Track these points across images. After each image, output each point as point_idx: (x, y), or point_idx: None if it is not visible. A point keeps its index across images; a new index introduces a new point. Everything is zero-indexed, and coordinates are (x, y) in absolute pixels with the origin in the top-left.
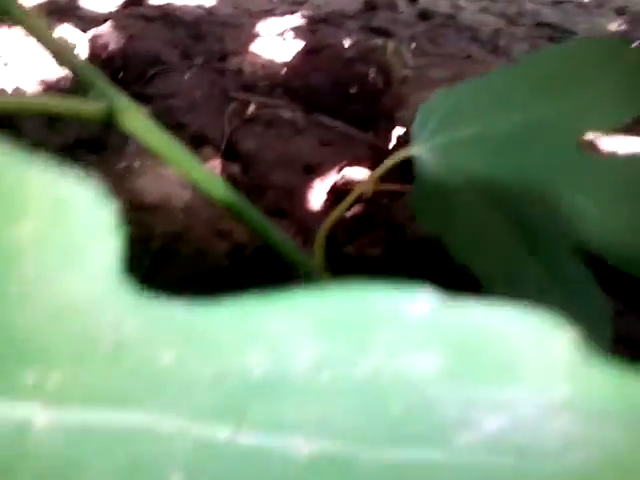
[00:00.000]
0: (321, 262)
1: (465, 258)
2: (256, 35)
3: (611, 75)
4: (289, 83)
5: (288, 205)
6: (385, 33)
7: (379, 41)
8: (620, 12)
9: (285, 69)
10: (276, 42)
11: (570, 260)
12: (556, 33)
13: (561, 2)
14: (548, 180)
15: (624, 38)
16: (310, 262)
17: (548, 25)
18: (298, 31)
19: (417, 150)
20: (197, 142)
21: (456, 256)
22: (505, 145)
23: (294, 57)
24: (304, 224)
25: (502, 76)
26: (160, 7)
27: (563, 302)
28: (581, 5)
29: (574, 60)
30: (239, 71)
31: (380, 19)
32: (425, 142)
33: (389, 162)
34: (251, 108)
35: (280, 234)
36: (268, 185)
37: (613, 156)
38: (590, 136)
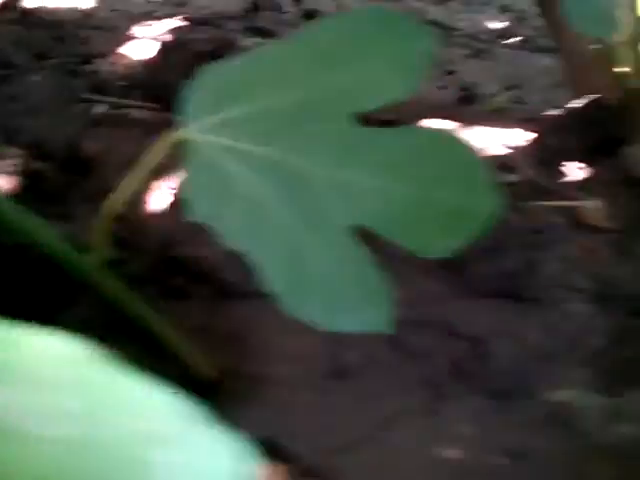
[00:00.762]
0: (100, 261)
1: (242, 244)
2: (130, 38)
3: (388, 49)
4: (145, 82)
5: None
6: (268, 33)
7: (239, 36)
8: (504, 10)
9: (142, 69)
10: (151, 45)
11: (349, 239)
12: (441, 30)
13: (446, 0)
14: (325, 157)
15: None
16: (85, 262)
17: (433, 23)
18: (175, 33)
19: (186, 132)
20: (34, 146)
21: (232, 243)
22: (280, 123)
23: (151, 56)
24: (141, 227)
25: (277, 51)
26: (28, 10)
27: (352, 290)
28: (467, 3)
29: (351, 33)
30: (94, 73)
31: (264, 19)
32: (195, 123)
33: (159, 147)
34: (100, 109)
35: (51, 234)
36: (109, 189)
37: (393, 130)
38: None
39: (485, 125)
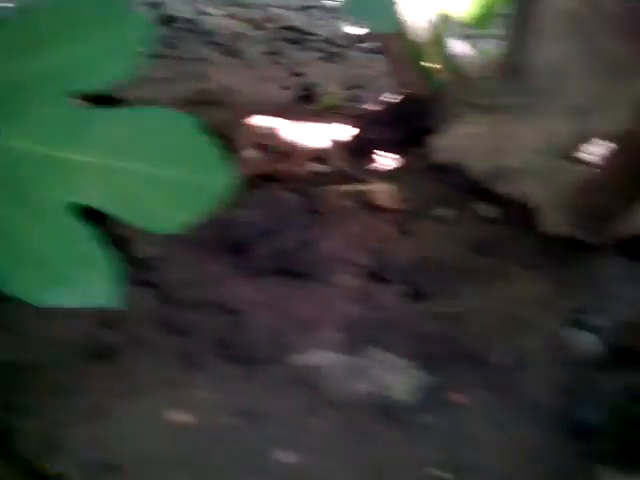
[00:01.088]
0: None
1: None
2: None
3: (102, 33)
4: None
5: None
6: None
7: None
8: None
9: None
10: None
11: (67, 217)
12: (299, 35)
13: (308, 7)
14: (38, 136)
15: None
16: None
17: (292, 28)
18: None
19: None
20: None
21: None
22: None
23: None
24: None
25: None
26: None
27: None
28: (328, 10)
29: (65, 17)
30: None
31: None
32: None
33: None
34: None
35: None
36: None
37: (117, 110)
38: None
39: (316, 122)
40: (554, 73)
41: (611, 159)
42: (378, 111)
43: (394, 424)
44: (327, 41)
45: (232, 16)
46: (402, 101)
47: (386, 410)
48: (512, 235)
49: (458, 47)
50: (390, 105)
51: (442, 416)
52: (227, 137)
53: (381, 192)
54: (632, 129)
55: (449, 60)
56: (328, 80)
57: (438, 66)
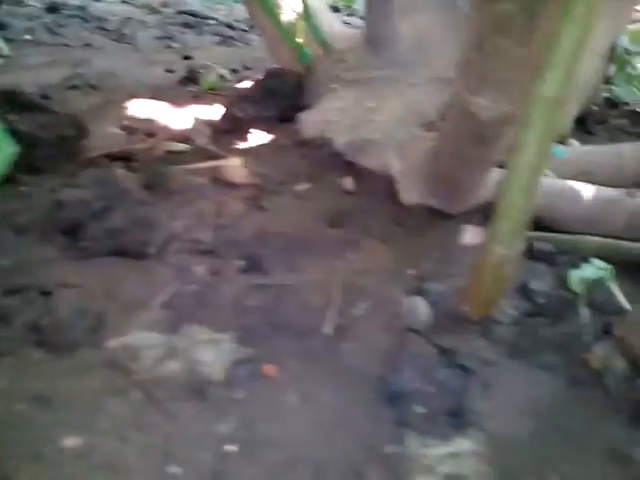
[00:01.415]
0: None
1: None
2: None
3: None
4: None
5: None
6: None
7: None
8: None
9: None
10: None
11: None
12: (196, 19)
13: None
14: None
15: None
16: None
17: (189, 13)
18: None
19: None
20: None
21: None
22: None
23: None
24: None
25: None
26: None
27: None
28: None
29: None
30: None
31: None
32: None
33: None
34: None
35: None
36: None
37: None
38: None
39: (195, 103)
40: (416, 45)
41: (445, 125)
42: (245, 89)
43: (200, 401)
44: (225, 25)
45: (126, 1)
46: (265, 77)
47: (196, 387)
48: (369, 207)
49: (330, 21)
50: (256, 82)
51: (251, 390)
52: (93, 120)
53: (234, 168)
54: (458, 92)
55: (318, 35)
56: (219, 63)
57: (305, 42)
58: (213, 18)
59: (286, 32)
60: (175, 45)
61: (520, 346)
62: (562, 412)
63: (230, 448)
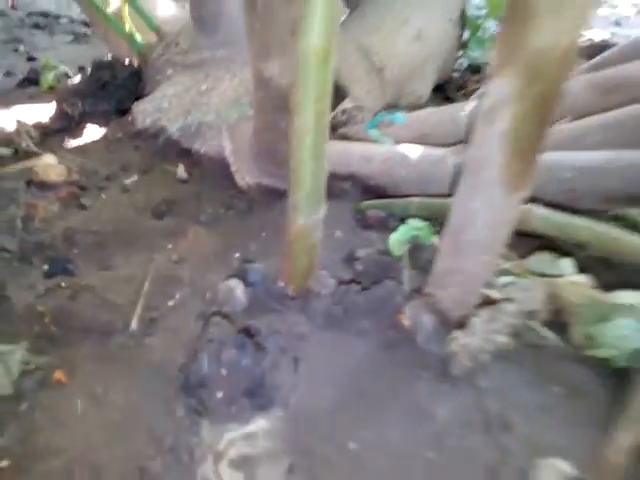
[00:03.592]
0: None
1: None
2: None
3: None
4: None
5: None
6: None
7: None
8: None
9: None
10: None
11: None
12: (48, 20)
13: None
14: None
15: None
16: None
17: (41, 14)
18: None
19: None
20: None
21: None
22: None
23: None
24: None
25: None
26: None
27: None
28: None
29: None
30: None
31: None
32: None
33: None
34: None
35: None
36: None
37: None
38: None
39: (33, 103)
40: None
41: (254, 98)
42: (76, 84)
43: None
44: (79, 23)
45: None
46: (96, 68)
47: None
48: (202, 193)
49: (162, 5)
50: (86, 75)
51: (38, 400)
52: None
53: (49, 167)
54: (252, 61)
55: (148, 20)
56: (67, 61)
57: (142, 28)
58: (66, 16)
59: (112, 20)
60: (22, 48)
61: (334, 315)
62: (370, 377)
63: (3, 464)
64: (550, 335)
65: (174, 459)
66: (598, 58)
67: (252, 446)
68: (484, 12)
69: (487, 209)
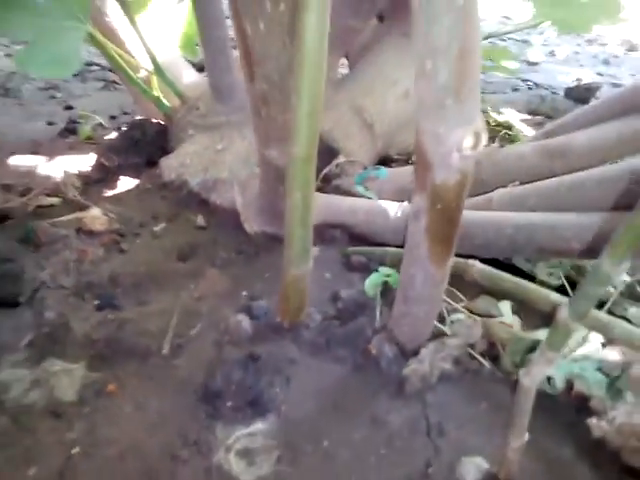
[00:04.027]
0: None
1: None
2: None
3: None
4: None
5: None
6: None
7: None
8: None
9: None
10: None
11: None
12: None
13: None
14: None
15: None
16: None
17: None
18: None
19: None
20: None
21: None
22: None
23: None
24: None
25: None
26: None
27: None
28: None
29: None
30: None
31: None
32: None
33: None
34: None
35: None
36: None
37: None
38: None
39: (73, 154)
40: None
41: (259, 169)
42: (112, 140)
43: (55, 418)
44: (108, 70)
45: (11, 55)
46: (130, 127)
47: (52, 409)
48: (217, 239)
49: (184, 73)
50: (121, 133)
51: (96, 406)
52: None
53: (94, 218)
54: (256, 145)
55: (173, 87)
56: (99, 110)
57: (162, 94)
58: (97, 64)
59: (142, 87)
60: (59, 95)
61: (318, 345)
62: (343, 393)
63: (75, 450)
64: (485, 363)
65: (196, 450)
66: (549, 125)
67: (252, 442)
68: None
69: (422, 275)
